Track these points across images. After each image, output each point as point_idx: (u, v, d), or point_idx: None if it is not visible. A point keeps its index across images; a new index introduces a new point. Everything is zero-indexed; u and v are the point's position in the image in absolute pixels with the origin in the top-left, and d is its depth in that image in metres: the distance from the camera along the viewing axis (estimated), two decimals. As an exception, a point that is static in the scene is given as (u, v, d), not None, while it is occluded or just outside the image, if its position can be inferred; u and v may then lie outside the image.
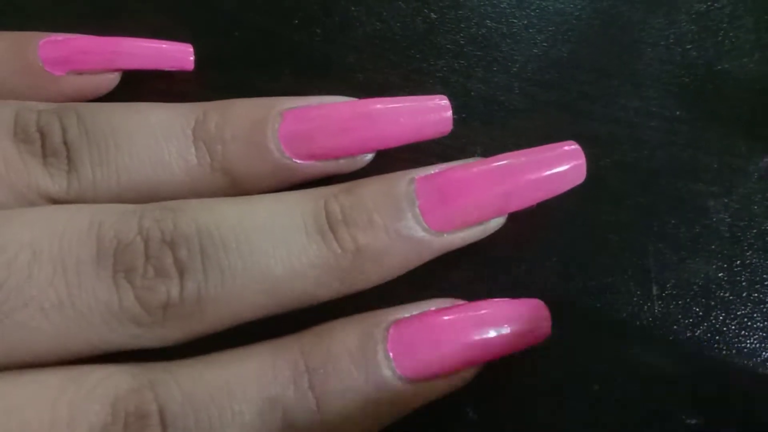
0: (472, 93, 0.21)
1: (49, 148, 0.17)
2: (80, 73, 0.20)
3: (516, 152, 0.18)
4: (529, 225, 0.20)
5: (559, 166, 0.18)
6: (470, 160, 0.18)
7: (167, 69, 0.21)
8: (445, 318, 0.16)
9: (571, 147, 0.18)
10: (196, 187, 0.18)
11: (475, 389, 0.17)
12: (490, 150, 0.20)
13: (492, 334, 0.16)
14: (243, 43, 0.22)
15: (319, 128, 0.18)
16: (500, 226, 0.18)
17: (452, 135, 0.20)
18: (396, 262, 0.17)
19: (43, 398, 0.14)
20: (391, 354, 0.16)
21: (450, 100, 0.19)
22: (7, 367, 0.14)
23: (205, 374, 0.15)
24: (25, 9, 0.22)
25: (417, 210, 0.17)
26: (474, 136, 0.18)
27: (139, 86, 0.20)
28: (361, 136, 0.18)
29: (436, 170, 0.18)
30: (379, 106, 0.19)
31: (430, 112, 0.19)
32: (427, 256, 0.18)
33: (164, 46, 0.20)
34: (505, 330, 0.16)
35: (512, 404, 0.18)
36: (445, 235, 0.17)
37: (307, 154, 0.18)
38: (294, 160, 0.18)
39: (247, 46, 0.22)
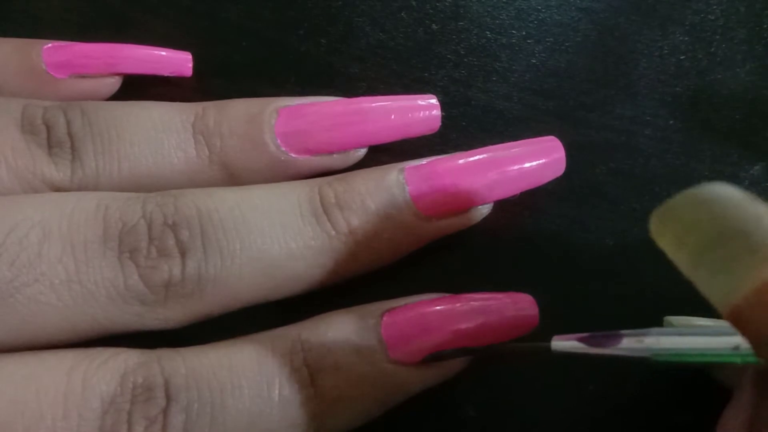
0: (472, 102, 0.22)
1: (54, 139, 0.18)
2: (82, 76, 0.20)
3: (501, 145, 0.19)
4: (526, 229, 0.20)
5: (540, 159, 0.19)
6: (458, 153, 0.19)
7: (166, 75, 0.21)
8: (436, 307, 0.17)
9: (552, 142, 0.19)
10: (194, 179, 0.18)
11: (475, 389, 0.18)
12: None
13: (480, 322, 0.17)
14: (249, 53, 0.22)
15: (314, 123, 0.19)
16: (486, 214, 0.19)
17: (452, 143, 0.21)
18: (387, 245, 0.18)
19: (59, 369, 0.15)
20: (384, 338, 0.16)
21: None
22: (18, 341, 0.15)
23: (210, 353, 0.16)
24: (36, 19, 0.23)
25: (407, 195, 0.18)
26: (474, 143, 0.19)
27: (142, 94, 0.20)
28: (353, 130, 0.19)
29: (425, 161, 0.19)
30: (370, 103, 0.19)
31: (420, 110, 0.20)
32: (416, 241, 0.18)
33: (163, 53, 0.21)
34: (493, 319, 0.17)
35: (512, 404, 0.18)
36: (433, 220, 0.18)
37: (302, 148, 0.19)
38: (289, 154, 0.19)
39: (253, 55, 0.22)
